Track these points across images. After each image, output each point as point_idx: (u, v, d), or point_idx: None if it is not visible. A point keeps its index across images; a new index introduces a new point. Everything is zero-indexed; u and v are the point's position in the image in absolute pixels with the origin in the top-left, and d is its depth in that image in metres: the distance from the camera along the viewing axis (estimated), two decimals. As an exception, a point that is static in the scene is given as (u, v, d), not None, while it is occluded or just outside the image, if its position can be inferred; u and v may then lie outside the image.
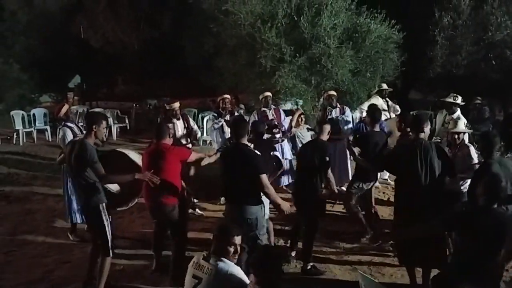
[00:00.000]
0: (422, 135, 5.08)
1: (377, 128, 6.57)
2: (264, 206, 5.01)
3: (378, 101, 9.05)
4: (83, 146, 4.83)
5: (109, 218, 4.97)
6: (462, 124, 6.75)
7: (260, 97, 8.77)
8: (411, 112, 10.44)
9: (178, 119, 7.95)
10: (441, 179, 4.99)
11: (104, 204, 4.96)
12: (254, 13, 10.73)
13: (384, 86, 9.53)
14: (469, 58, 12.95)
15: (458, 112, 7.60)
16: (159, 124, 5.95)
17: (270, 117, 8.47)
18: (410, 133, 5.80)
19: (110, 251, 4.98)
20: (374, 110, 6.81)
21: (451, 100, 7.55)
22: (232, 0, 10.95)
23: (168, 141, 5.41)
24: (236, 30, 11.02)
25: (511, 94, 13.51)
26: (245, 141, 4.98)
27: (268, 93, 8.80)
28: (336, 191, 6.04)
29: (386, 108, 9.29)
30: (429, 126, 5.55)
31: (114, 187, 5.70)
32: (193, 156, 5.47)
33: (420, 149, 4.90)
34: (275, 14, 10.56)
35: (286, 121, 8.57)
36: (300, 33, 10.50)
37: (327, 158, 5.69)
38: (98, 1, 21.13)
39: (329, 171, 5.78)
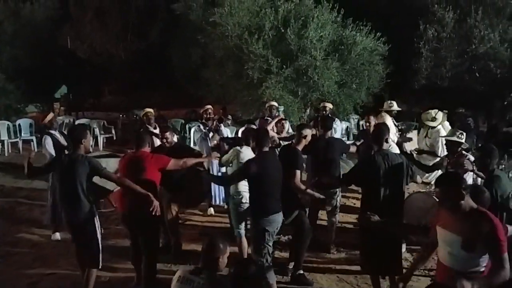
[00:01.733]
0: (385, 146, 5.16)
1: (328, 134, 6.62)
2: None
3: (388, 120, 8.67)
4: (76, 159, 4.83)
5: (101, 229, 4.95)
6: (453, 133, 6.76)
7: (266, 105, 8.82)
8: (397, 124, 10.53)
9: (155, 128, 8.04)
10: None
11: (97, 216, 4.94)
12: (241, 24, 10.82)
13: (394, 106, 8.75)
14: (453, 70, 13.12)
15: (439, 127, 7.86)
16: (138, 133, 5.93)
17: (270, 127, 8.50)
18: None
19: (100, 263, 4.95)
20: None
21: (429, 124, 7.97)
22: (220, 11, 11.03)
23: (147, 149, 5.37)
24: (224, 41, 11.10)
25: (495, 105, 13.71)
26: (267, 149, 5.10)
27: (274, 103, 8.86)
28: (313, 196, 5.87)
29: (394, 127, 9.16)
30: (389, 137, 5.67)
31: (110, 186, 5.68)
32: (172, 164, 5.36)
33: (385, 160, 4.97)
34: (262, 26, 10.66)
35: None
36: (287, 45, 10.60)
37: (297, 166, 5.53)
38: (85, 12, 21.14)
39: (296, 179, 5.46)
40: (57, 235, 7.03)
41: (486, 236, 3.28)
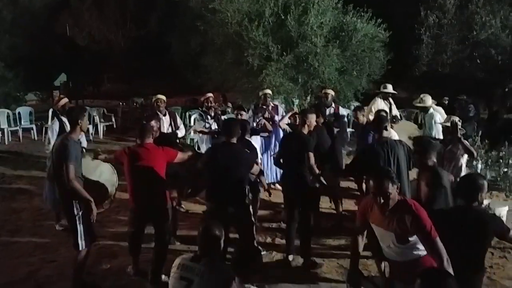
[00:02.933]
0: (385, 134, 5.15)
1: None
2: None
3: (380, 104, 8.83)
4: (65, 142, 4.82)
5: (80, 212, 4.88)
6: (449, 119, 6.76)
7: (260, 93, 8.78)
8: (398, 111, 10.51)
9: (164, 114, 7.96)
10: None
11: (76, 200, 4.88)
12: (241, 11, 10.72)
13: (389, 88, 8.96)
14: (454, 57, 13.08)
15: (431, 110, 7.87)
16: (142, 124, 5.85)
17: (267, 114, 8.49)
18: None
19: (79, 246, 4.94)
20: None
21: (418, 104, 7.99)
22: (219, -2, 10.94)
23: (151, 140, 5.30)
24: (223, 28, 11.01)
25: (495, 92, 13.67)
26: (234, 140, 5.10)
27: (268, 91, 8.80)
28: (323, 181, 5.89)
29: (387, 110, 9.19)
30: (360, 117, 5.70)
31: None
32: (179, 157, 5.37)
33: (385, 148, 4.99)
34: (262, 13, 10.56)
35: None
36: (287, 32, 10.52)
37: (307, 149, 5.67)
38: (84, -1, 21.00)
39: (311, 161, 5.62)
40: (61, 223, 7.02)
41: (412, 227, 3.29)
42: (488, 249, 4.05)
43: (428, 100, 7.96)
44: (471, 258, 3.32)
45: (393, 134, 6.51)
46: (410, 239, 3.34)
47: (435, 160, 4.75)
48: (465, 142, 5.92)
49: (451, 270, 3.13)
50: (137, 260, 5.48)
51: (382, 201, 3.39)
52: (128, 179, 5.24)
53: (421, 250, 3.39)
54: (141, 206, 5.22)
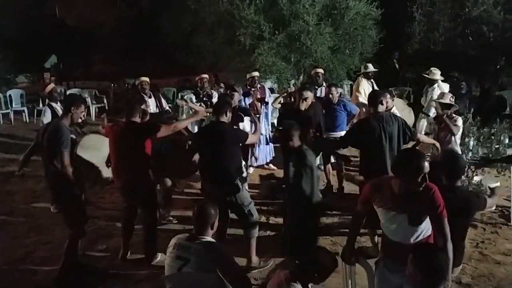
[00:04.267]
0: (380, 108, 5.19)
1: None
2: (241, 180, 5.16)
3: (364, 84, 8.91)
4: (57, 127, 4.76)
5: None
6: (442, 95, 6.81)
7: (248, 76, 8.71)
8: (390, 89, 10.53)
9: (150, 96, 7.96)
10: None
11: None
12: (232, -11, 10.62)
13: (370, 67, 9.19)
14: (446, 34, 13.03)
15: (435, 85, 8.40)
16: (130, 102, 5.81)
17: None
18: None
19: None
20: None
21: (426, 75, 8.64)
22: (210, -24, 10.82)
23: (138, 119, 5.26)
24: (214, 7, 10.89)
25: (488, 69, 13.68)
26: (224, 119, 5.06)
27: (256, 73, 8.74)
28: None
29: (371, 90, 9.27)
30: (389, 101, 5.77)
31: (105, 173, 5.68)
32: (163, 131, 5.21)
33: (380, 122, 5.07)
34: (254, -10, 10.47)
35: (271, 99, 8.58)
36: (279, 10, 10.43)
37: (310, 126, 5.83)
38: (73, -21, 20.68)
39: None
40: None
41: (429, 207, 3.26)
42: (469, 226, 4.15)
43: (437, 74, 8.51)
44: (453, 236, 3.35)
45: (394, 108, 6.61)
46: (423, 219, 3.31)
47: (298, 141, 4.90)
48: (447, 120, 5.98)
49: (451, 249, 3.17)
50: (127, 244, 5.50)
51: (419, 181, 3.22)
52: (111, 156, 5.25)
53: (429, 230, 3.37)
54: (123, 183, 5.20)
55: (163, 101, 8.33)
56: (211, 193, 5.13)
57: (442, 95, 6.50)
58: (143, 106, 5.86)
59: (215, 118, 5.15)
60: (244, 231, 5.22)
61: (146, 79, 8.19)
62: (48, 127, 4.96)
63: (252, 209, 5.19)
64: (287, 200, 5.31)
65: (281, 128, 5.34)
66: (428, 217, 3.31)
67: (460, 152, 5.86)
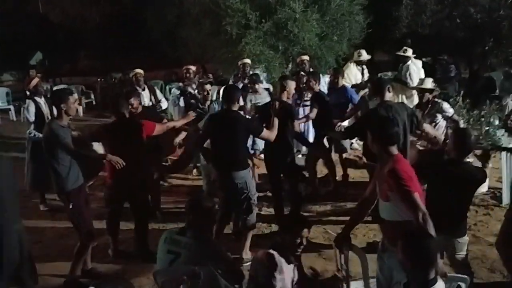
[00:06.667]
0: (387, 96, 5.10)
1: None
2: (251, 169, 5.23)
3: (353, 69, 8.92)
4: (50, 128, 4.67)
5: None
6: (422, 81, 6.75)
7: (239, 63, 8.62)
8: (379, 74, 10.50)
9: (143, 89, 7.85)
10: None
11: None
12: (216, -22, 10.48)
13: (364, 55, 9.27)
14: (433, 17, 12.98)
15: (409, 62, 9.01)
16: (115, 98, 5.70)
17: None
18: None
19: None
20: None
21: (400, 53, 9.33)
22: (194, -35, 10.68)
23: (127, 114, 5.21)
24: (199, -3, 10.79)
25: (476, 51, 13.67)
26: (235, 107, 5.07)
27: (247, 60, 8.65)
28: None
29: (360, 76, 9.26)
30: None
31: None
32: (158, 129, 5.30)
33: (389, 111, 4.95)
34: (238, -22, 10.34)
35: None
36: (265, -2, 10.33)
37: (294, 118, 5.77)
38: (55, -26, 20.43)
39: (296, 129, 5.87)
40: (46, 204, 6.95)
41: (389, 179, 3.20)
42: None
43: (409, 52, 9.21)
44: (456, 212, 3.37)
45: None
46: (388, 194, 3.25)
47: None
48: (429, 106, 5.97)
49: (430, 226, 3.07)
50: (117, 241, 5.45)
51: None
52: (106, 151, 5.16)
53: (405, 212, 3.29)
54: (120, 181, 5.12)
55: (158, 92, 8.24)
56: (223, 182, 5.09)
57: (422, 81, 6.48)
58: (132, 101, 5.76)
59: (226, 106, 5.09)
60: (243, 223, 5.17)
61: (141, 71, 8.05)
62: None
63: (255, 200, 5.18)
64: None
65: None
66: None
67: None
